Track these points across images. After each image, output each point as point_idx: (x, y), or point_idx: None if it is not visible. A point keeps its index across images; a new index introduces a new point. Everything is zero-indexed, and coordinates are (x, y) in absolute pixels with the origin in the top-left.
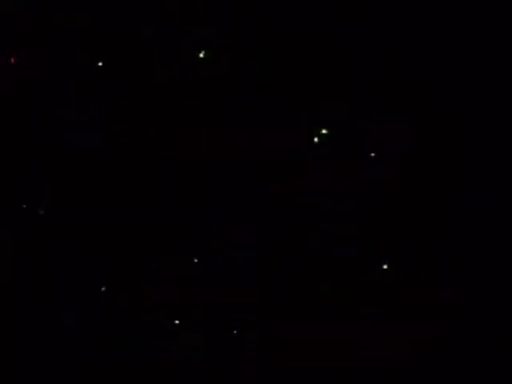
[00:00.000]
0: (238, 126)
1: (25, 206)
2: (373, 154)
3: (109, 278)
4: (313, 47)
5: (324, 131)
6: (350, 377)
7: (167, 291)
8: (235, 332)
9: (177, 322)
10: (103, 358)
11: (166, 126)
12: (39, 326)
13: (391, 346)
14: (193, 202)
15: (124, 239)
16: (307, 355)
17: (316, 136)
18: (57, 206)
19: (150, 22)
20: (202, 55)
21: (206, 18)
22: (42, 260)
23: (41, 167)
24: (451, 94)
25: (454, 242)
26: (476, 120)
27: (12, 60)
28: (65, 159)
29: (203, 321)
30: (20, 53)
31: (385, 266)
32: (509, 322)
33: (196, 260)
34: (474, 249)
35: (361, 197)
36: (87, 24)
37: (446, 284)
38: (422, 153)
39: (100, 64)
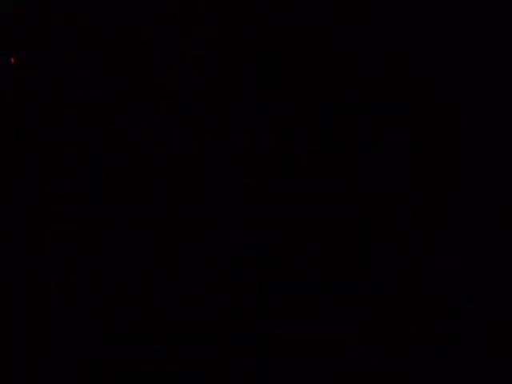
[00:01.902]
0: (238, 126)
1: (25, 206)
2: (373, 154)
3: (108, 278)
4: (313, 47)
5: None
6: (349, 377)
7: (167, 292)
8: (235, 332)
9: (176, 322)
10: (103, 359)
11: (165, 126)
12: (39, 326)
13: (391, 345)
14: (193, 202)
15: (123, 239)
16: (307, 355)
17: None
18: (56, 206)
19: (150, 22)
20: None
21: (205, 18)
22: (41, 261)
23: (41, 167)
24: (451, 94)
25: (454, 242)
26: (476, 120)
27: (12, 60)
28: (65, 159)
29: (202, 320)
30: (20, 53)
31: (384, 266)
32: (509, 322)
33: (196, 260)
34: (474, 249)
35: (360, 197)
36: (87, 24)
37: (445, 283)
38: (421, 153)
39: (100, 64)
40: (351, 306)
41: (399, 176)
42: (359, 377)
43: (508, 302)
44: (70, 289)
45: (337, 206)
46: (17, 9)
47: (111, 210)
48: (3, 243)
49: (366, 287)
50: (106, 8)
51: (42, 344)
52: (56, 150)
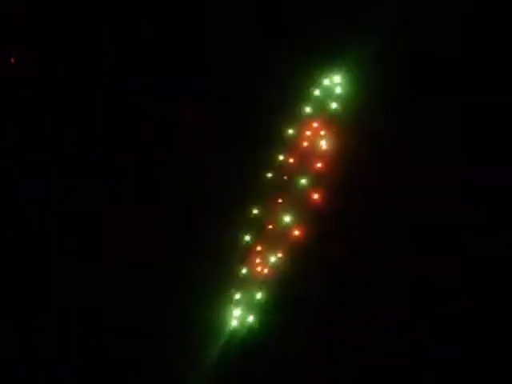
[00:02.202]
0: (238, 125)
1: (24, 205)
2: (373, 155)
3: (107, 277)
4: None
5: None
6: (349, 376)
7: (168, 291)
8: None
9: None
10: (102, 358)
11: (165, 125)
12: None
13: (392, 345)
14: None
15: (122, 237)
16: (308, 355)
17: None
18: (56, 204)
19: (150, 22)
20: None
21: (205, 18)
22: (41, 259)
23: (40, 167)
24: (451, 93)
25: (454, 243)
26: (476, 120)
27: (12, 60)
28: (64, 159)
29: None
30: (20, 53)
31: (385, 266)
32: (509, 322)
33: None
34: (474, 249)
35: (361, 197)
36: (87, 24)
37: (446, 284)
38: (422, 153)
39: (100, 64)
40: (351, 306)
41: (399, 176)
42: (359, 376)
43: (508, 302)
44: (70, 289)
45: (337, 206)
46: (17, 9)
47: (111, 209)
48: (3, 243)
49: (366, 287)
50: (106, 8)
51: (42, 344)
52: (56, 150)
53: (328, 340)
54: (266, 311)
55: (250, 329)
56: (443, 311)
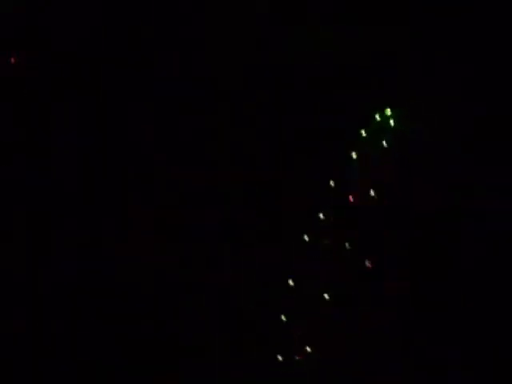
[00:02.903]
0: (239, 125)
1: (24, 204)
2: (374, 156)
3: (105, 274)
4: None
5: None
6: (349, 376)
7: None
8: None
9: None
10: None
11: (165, 126)
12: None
13: (393, 344)
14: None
15: (122, 234)
16: (309, 353)
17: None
18: (55, 203)
19: (150, 22)
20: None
21: (206, 18)
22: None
23: (40, 166)
24: (455, 96)
25: (454, 243)
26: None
27: (12, 60)
28: (63, 158)
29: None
30: (20, 53)
31: (385, 267)
32: (509, 322)
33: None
34: (474, 249)
35: (361, 199)
36: (87, 24)
37: (446, 284)
38: (423, 155)
39: (99, 64)
40: (351, 306)
41: (403, 182)
42: (359, 376)
43: (508, 303)
44: (69, 289)
45: (337, 208)
46: (17, 9)
47: (110, 207)
48: (3, 243)
49: (366, 293)
50: (106, 8)
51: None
52: (55, 150)
53: None
54: None
55: None
56: (443, 311)
